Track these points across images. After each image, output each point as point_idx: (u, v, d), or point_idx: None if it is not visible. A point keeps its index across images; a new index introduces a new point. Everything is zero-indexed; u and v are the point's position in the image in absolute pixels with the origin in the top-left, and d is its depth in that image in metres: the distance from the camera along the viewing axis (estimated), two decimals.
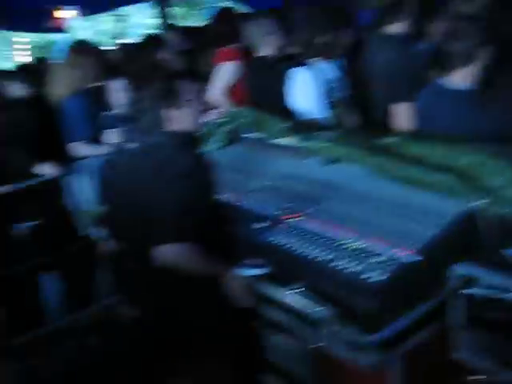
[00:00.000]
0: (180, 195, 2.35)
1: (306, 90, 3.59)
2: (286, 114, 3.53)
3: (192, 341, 2.63)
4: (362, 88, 3.54)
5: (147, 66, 4.56)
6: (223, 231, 2.54)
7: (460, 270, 1.84)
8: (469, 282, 1.84)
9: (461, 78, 2.79)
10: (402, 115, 3.18)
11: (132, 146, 2.63)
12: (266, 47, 4.11)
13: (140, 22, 17.22)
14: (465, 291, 1.84)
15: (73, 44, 4.61)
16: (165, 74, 2.61)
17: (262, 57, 4.16)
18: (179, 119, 2.51)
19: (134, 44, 5.94)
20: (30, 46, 14.69)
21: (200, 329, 2.51)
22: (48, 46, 11.21)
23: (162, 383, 3.04)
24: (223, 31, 4.60)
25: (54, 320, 4.22)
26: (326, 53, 3.59)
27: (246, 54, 4.50)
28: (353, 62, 3.67)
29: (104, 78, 4.63)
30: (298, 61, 3.70)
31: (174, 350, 2.75)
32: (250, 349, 2.72)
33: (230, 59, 4.45)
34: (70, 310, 4.25)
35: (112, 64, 5.18)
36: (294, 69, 3.63)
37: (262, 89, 4.05)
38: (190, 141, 2.59)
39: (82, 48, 4.45)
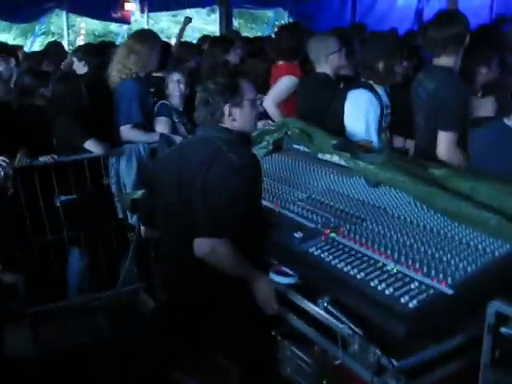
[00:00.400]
0: (227, 191, 2.35)
1: (362, 112, 3.63)
2: (336, 131, 3.54)
3: (207, 338, 2.64)
4: (408, 115, 3.59)
5: (216, 63, 4.65)
6: (261, 235, 2.54)
7: (497, 307, 1.81)
8: (505, 320, 1.80)
9: None
10: (445, 144, 3.22)
11: (186, 137, 2.67)
12: (325, 65, 4.13)
13: (197, 27, 17.56)
14: (500, 329, 1.80)
15: (134, 31, 4.71)
16: (230, 72, 2.63)
17: (320, 73, 4.17)
18: (239, 117, 2.52)
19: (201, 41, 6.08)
20: (86, 32, 15.10)
21: (219, 327, 2.51)
22: (107, 34, 11.44)
23: (167, 376, 3.07)
24: (287, 46, 4.64)
25: (75, 296, 4.27)
26: (383, 78, 3.61)
27: (304, 70, 4.56)
28: (401, 90, 3.76)
29: (165, 68, 4.75)
30: (357, 83, 3.74)
31: (187, 343, 2.76)
32: (264, 358, 2.72)
33: (289, 73, 4.50)
34: (92, 289, 4.30)
35: (174, 56, 5.31)
36: (354, 90, 3.66)
37: (314, 104, 4.08)
38: (244, 139, 2.61)
39: (141, 35, 4.52)
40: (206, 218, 2.35)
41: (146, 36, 4.46)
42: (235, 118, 2.51)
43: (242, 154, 2.45)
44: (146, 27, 10.05)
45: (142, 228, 3.03)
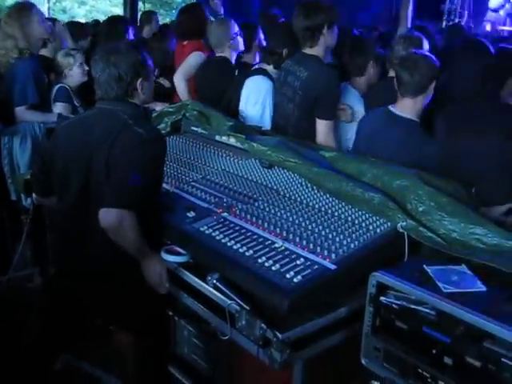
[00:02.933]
0: (134, 163, 2.32)
1: (260, 99, 3.75)
2: (230, 115, 3.59)
3: (98, 315, 2.61)
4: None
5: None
6: (158, 215, 2.53)
7: (378, 278, 1.91)
8: (385, 290, 1.91)
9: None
10: (324, 132, 3.32)
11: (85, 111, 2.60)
12: (226, 49, 4.17)
13: (102, 9, 17.17)
14: (380, 298, 1.90)
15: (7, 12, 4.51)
16: (132, 47, 2.58)
17: (219, 58, 4.20)
18: (146, 90, 2.52)
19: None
20: None
21: (109, 304, 2.49)
22: (3, 10, 10.90)
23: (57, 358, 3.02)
24: (189, 26, 4.68)
25: None
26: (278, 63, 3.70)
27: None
28: None
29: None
30: (255, 70, 3.83)
31: (77, 321, 2.73)
32: (160, 337, 2.73)
33: (197, 49, 4.53)
34: None
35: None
36: (253, 76, 3.75)
37: (212, 89, 4.15)
38: (145, 114, 2.61)
39: (11, 15, 4.23)
40: (115, 189, 2.30)
41: (13, 15, 4.20)
42: (144, 91, 2.50)
43: (149, 128, 2.46)
44: (46, 6, 9.66)
45: (34, 196, 2.91)
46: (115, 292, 2.44)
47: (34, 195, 2.90)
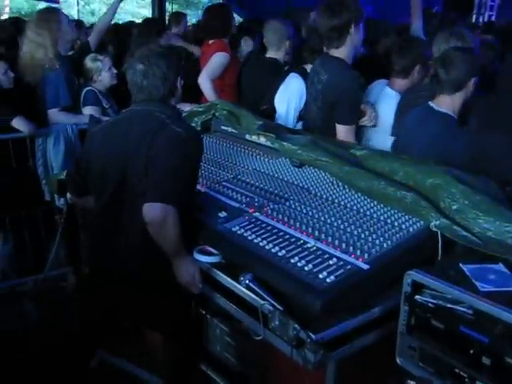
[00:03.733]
0: (174, 160, 2.35)
1: (286, 97, 3.77)
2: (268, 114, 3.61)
3: (130, 315, 2.64)
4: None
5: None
6: (190, 214, 2.53)
7: (413, 276, 1.89)
8: (420, 289, 1.89)
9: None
10: (344, 136, 3.25)
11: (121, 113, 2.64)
12: (279, 51, 4.21)
13: (130, 10, 17.30)
14: (415, 297, 1.89)
15: (30, 20, 4.52)
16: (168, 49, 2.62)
17: (271, 59, 4.25)
18: (179, 91, 2.57)
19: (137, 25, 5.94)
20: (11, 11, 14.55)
21: (142, 305, 2.51)
22: (33, 13, 11.04)
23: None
24: (215, 24, 4.67)
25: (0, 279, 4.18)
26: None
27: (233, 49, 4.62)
28: None
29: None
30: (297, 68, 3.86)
31: (111, 319, 2.76)
32: (192, 335, 2.75)
33: (221, 50, 4.53)
34: (19, 274, 4.21)
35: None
36: (291, 74, 3.77)
37: (263, 90, 4.13)
38: (180, 114, 2.64)
39: (37, 25, 4.23)
40: (158, 185, 2.32)
41: (41, 24, 4.20)
42: (178, 92, 2.58)
43: (187, 127, 2.49)
44: (76, 8, 9.77)
45: (69, 196, 2.95)
46: (145, 293, 2.46)
47: (68, 195, 2.94)
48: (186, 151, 2.39)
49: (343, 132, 3.24)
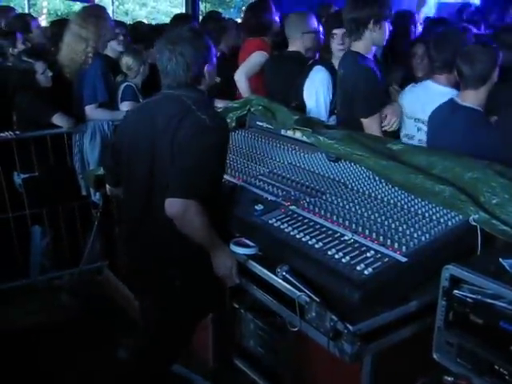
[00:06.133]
0: (198, 150, 2.32)
1: (313, 90, 3.77)
2: (298, 108, 3.60)
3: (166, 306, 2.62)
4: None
5: None
6: (220, 205, 2.53)
7: (452, 270, 1.86)
8: (458, 283, 1.86)
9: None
10: (370, 129, 3.30)
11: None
12: (299, 43, 4.11)
13: (163, 9, 17.46)
14: (453, 292, 1.86)
15: (76, 14, 4.58)
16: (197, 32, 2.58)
17: (293, 52, 4.17)
18: (209, 75, 2.50)
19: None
20: (48, 12, 14.83)
21: (180, 295, 2.51)
22: (70, 14, 11.19)
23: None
24: (256, 22, 4.67)
25: (37, 274, 4.25)
26: None
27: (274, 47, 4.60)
28: None
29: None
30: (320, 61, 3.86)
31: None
32: (225, 328, 2.76)
33: (260, 49, 4.52)
34: (55, 268, 4.29)
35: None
36: (315, 67, 3.76)
37: (287, 83, 4.05)
38: (210, 100, 2.58)
39: (83, 18, 4.29)
40: (179, 178, 2.29)
41: (88, 18, 4.26)
42: (208, 76, 2.50)
43: (213, 115, 2.43)
44: (111, 8, 9.89)
45: (108, 187, 2.96)
46: (179, 284, 2.46)
47: (107, 186, 2.96)
48: (211, 140, 2.34)
49: (365, 124, 3.31)
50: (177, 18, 5.68)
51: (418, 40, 4.24)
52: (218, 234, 2.39)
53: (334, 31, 3.85)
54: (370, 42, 3.34)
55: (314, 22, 4.13)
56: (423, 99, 3.30)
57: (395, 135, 3.44)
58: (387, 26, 3.33)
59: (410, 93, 3.48)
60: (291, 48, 4.16)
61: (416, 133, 3.37)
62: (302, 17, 4.15)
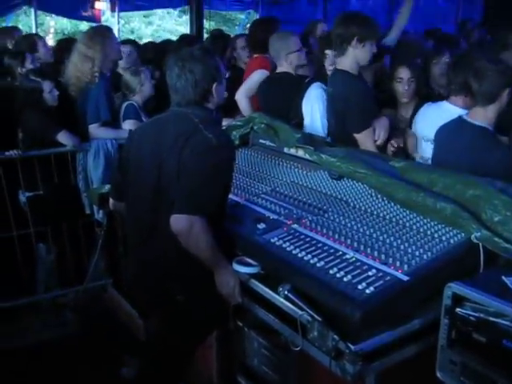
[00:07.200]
0: (204, 168, 2.34)
1: (309, 107, 3.83)
2: (298, 127, 3.63)
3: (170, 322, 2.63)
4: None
5: None
6: (224, 224, 2.54)
7: (454, 289, 1.87)
8: (461, 301, 1.86)
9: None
10: (364, 144, 3.36)
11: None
12: (285, 63, 4.14)
13: (168, 28, 17.59)
14: (456, 310, 1.86)
15: (83, 34, 4.64)
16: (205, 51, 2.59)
17: (281, 73, 4.21)
18: (218, 94, 2.52)
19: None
20: (55, 31, 14.98)
21: (183, 312, 2.51)
22: (77, 33, 11.29)
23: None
24: (261, 39, 4.67)
25: (42, 292, 4.25)
26: None
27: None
28: None
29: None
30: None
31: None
32: (229, 347, 2.75)
33: (262, 67, 4.55)
34: (60, 285, 4.29)
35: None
36: (311, 85, 3.82)
37: (279, 104, 4.10)
38: (218, 118, 2.60)
39: (88, 38, 4.34)
40: (184, 195, 2.31)
41: (94, 38, 4.31)
42: (216, 95, 2.52)
43: (219, 134, 2.45)
44: (116, 27, 9.97)
45: (111, 201, 2.95)
46: (182, 300, 2.47)
47: (110, 201, 2.96)
48: (216, 159, 2.36)
49: (359, 139, 3.36)
50: (183, 39, 5.71)
51: (399, 64, 3.95)
52: (222, 252, 2.39)
53: (326, 51, 3.94)
54: (353, 60, 3.41)
55: (297, 41, 4.17)
56: (439, 121, 3.25)
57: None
58: (371, 47, 3.39)
59: (425, 115, 3.49)
60: (279, 69, 4.20)
61: None
62: (284, 37, 4.19)
